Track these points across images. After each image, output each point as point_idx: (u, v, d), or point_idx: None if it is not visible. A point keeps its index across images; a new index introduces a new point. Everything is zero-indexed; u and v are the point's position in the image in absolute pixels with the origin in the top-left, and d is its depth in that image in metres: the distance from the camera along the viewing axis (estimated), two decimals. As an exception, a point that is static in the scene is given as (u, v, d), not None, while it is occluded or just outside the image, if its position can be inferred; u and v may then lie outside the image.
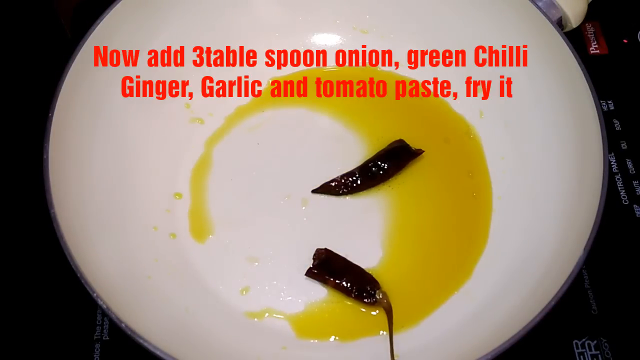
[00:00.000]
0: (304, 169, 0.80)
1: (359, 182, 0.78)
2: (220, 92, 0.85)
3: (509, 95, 0.80)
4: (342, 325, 0.71)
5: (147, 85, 0.80)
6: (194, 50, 0.84)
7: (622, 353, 0.71)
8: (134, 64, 0.78)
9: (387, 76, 0.87)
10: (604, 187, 0.63)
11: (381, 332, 0.70)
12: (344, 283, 0.71)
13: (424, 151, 0.80)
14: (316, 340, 0.70)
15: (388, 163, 0.78)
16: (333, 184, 0.78)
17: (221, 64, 0.86)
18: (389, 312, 0.69)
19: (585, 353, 0.71)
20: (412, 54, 0.87)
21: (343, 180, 0.78)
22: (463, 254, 0.74)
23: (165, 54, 0.82)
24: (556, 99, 0.74)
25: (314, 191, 0.79)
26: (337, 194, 0.78)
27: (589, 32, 0.94)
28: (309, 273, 0.72)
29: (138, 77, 0.79)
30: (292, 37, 0.88)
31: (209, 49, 0.85)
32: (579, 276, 0.61)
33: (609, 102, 0.89)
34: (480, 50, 0.83)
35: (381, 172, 0.78)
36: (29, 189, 0.71)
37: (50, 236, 0.61)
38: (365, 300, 0.70)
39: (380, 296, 0.70)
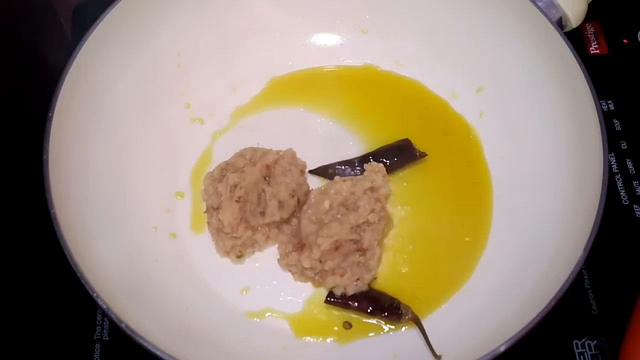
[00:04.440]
0: (304, 169, 0.80)
1: (357, 171, 0.78)
2: (220, 92, 0.85)
3: (509, 95, 0.80)
4: (342, 325, 0.71)
5: (147, 86, 0.80)
6: (194, 50, 0.84)
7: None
8: (134, 64, 0.78)
9: (387, 76, 0.87)
10: (604, 187, 0.63)
11: (380, 332, 0.70)
12: (365, 307, 0.70)
13: (427, 155, 0.80)
14: (316, 340, 0.70)
15: (390, 160, 0.78)
16: (329, 171, 0.79)
17: (221, 64, 0.86)
18: (418, 322, 0.69)
19: (585, 353, 0.71)
20: (412, 54, 0.87)
21: (342, 167, 0.79)
22: (463, 254, 0.74)
23: (165, 54, 0.82)
24: (556, 99, 0.74)
25: (311, 172, 0.79)
26: (331, 178, 0.78)
27: (589, 32, 0.94)
28: (329, 301, 0.71)
29: (138, 77, 0.79)
30: (292, 37, 0.88)
31: (208, 49, 0.85)
32: (579, 276, 0.61)
33: (609, 102, 0.89)
34: (481, 50, 0.83)
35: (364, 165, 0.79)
36: (29, 189, 0.71)
37: (50, 236, 0.61)
38: (393, 318, 0.70)
39: (405, 311, 0.69)
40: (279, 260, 0.74)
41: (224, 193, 0.73)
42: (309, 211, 0.72)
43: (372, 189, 0.73)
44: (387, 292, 0.71)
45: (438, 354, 0.66)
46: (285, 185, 0.74)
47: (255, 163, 0.75)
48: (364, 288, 0.70)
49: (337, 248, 0.69)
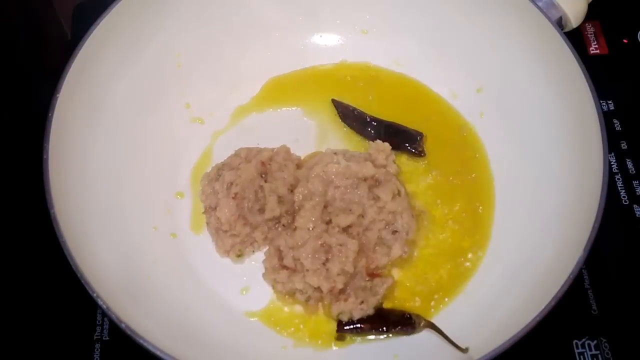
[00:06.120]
0: (304, 169, 0.80)
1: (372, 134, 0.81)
2: (220, 92, 0.85)
3: (509, 95, 0.80)
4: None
5: (147, 86, 0.80)
6: (194, 50, 0.84)
7: (622, 353, 0.71)
8: (134, 64, 0.78)
9: (387, 76, 0.87)
10: (604, 187, 0.63)
11: (384, 334, 0.70)
12: (378, 327, 0.69)
13: (425, 155, 0.80)
14: (316, 340, 0.70)
15: (386, 136, 0.80)
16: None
17: (221, 64, 0.86)
18: (434, 327, 0.68)
19: (585, 353, 0.71)
20: (412, 54, 0.87)
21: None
22: (464, 256, 0.74)
23: (165, 54, 0.82)
24: (556, 99, 0.74)
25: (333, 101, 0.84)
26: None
27: (589, 32, 0.94)
28: (342, 330, 0.69)
29: (138, 77, 0.79)
30: (292, 37, 0.88)
31: (208, 49, 0.85)
32: (579, 276, 0.61)
33: (609, 102, 0.89)
34: (481, 50, 0.83)
35: (374, 132, 0.80)
36: (29, 189, 0.71)
37: (50, 236, 0.61)
38: (407, 330, 0.69)
39: (418, 320, 0.69)
40: (263, 275, 0.73)
41: (220, 191, 0.73)
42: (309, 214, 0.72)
43: (373, 181, 0.73)
44: (391, 305, 0.71)
45: (464, 347, 0.65)
46: (283, 180, 0.75)
47: (250, 160, 0.75)
48: (370, 312, 0.69)
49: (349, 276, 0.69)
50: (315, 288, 0.69)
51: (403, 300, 0.71)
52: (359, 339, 0.70)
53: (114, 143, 0.75)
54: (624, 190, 0.82)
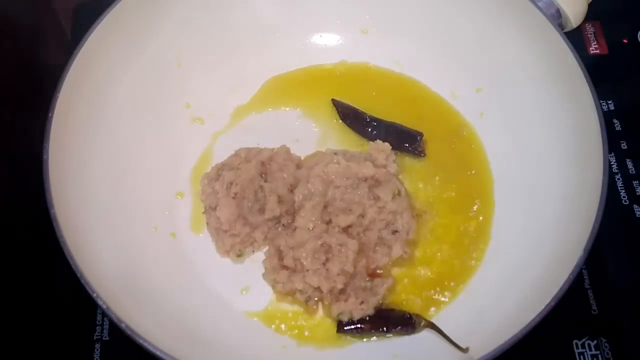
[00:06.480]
0: (304, 169, 0.80)
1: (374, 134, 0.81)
2: (220, 92, 0.85)
3: (509, 95, 0.80)
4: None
5: (147, 86, 0.80)
6: (194, 50, 0.84)
7: (622, 353, 0.71)
8: (134, 64, 0.78)
9: (387, 76, 0.87)
10: (604, 187, 0.63)
11: (382, 334, 0.70)
12: (378, 327, 0.69)
13: (425, 155, 0.80)
14: (316, 340, 0.70)
15: (386, 136, 0.80)
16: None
17: (221, 64, 0.86)
18: (434, 327, 0.68)
19: (585, 353, 0.71)
20: (412, 54, 0.87)
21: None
22: (464, 256, 0.74)
23: (165, 54, 0.82)
24: (556, 99, 0.74)
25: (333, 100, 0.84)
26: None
27: (589, 32, 0.94)
28: (342, 330, 0.69)
29: (138, 77, 0.79)
30: (292, 37, 0.88)
31: (208, 49, 0.85)
32: (579, 276, 0.61)
33: (609, 102, 0.89)
34: (481, 50, 0.83)
35: (374, 132, 0.80)
36: (29, 189, 0.71)
37: (50, 236, 0.61)
38: (408, 330, 0.69)
39: (418, 320, 0.69)
40: (263, 275, 0.73)
41: (220, 191, 0.73)
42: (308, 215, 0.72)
43: (373, 181, 0.73)
44: (391, 305, 0.71)
45: (464, 347, 0.64)
46: (283, 180, 0.75)
47: (250, 160, 0.75)
48: (370, 312, 0.69)
49: (348, 276, 0.69)
50: (315, 288, 0.69)
51: (403, 300, 0.71)
52: (358, 339, 0.70)
53: (114, 143, 0.75)
54: (624, 190, 0.82)
